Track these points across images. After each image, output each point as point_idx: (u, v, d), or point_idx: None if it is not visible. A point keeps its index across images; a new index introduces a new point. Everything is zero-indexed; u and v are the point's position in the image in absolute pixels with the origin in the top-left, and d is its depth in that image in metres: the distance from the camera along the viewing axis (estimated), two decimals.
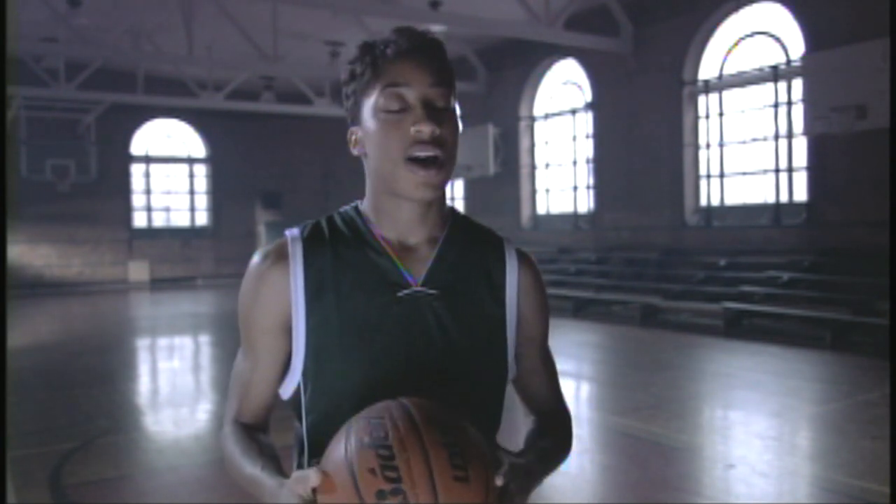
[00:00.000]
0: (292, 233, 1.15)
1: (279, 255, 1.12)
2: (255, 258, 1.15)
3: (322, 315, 1.09)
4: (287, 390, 1.14)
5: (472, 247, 1.18)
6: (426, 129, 1.06)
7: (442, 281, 1.13)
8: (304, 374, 1.11)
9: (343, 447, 0.87)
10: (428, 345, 1.09)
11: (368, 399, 0.95)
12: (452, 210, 1.22)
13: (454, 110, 1.12)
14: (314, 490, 0.87)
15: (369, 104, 1.10)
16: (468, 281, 1.15)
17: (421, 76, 1.08)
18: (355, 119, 1.14)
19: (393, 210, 1.13)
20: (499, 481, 0.86)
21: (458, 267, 1.15)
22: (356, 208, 1.18)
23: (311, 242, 1.13)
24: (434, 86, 1.09)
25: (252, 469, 1.02)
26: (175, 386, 7.89)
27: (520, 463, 0.97)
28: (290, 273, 1.11)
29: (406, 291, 1.10)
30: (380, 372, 1.07)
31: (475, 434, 0.90)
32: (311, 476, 0.87)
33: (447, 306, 1.11)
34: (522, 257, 1.22)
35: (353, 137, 1.15)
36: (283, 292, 1.11)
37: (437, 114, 1.08)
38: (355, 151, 1.16)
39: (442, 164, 1.08)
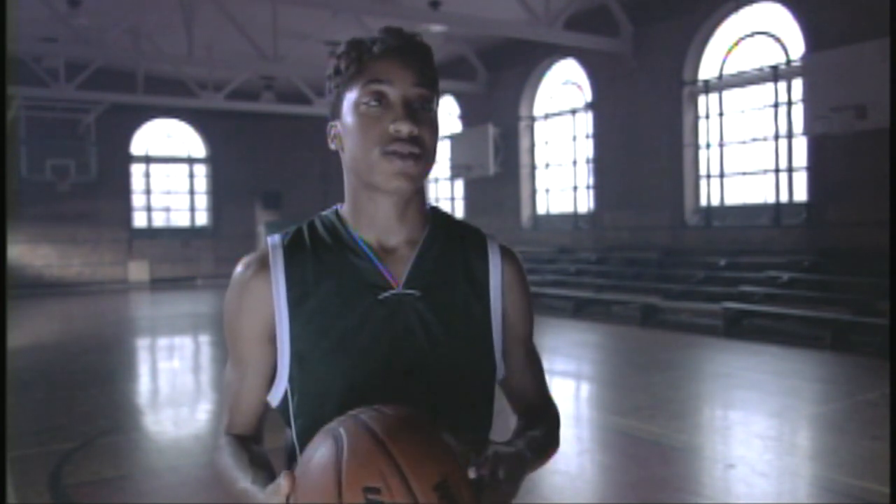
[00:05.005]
0: (273, 240, 1.15)
1: (260, 264, 1.13)
2: (238, 268, 1.15)
3: (305, 321, 1.10)
4: (275, 398, 1.14)
5: (453, 245, 1.18)
6: (404, 128, 1.06)
7: (424, 281, 1.12)
8: (290, 380, 1.11)
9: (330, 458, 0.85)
10: (411, 346, 1.09)
11: (353, 402, 0.94)
12: (434, 209, 1.21)
13: (435, 113, 1.12)
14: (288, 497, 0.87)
15: (351, 99, 1.10)
16: (450, 280, 1.15)
17: (404, 75, 1.08)
18: (336, 113, 1.15)
19: (371, 209, 1.13)
20: (472, 474, 0.86)
21: (439, 266, 1.15)
22: (336, 212, 1.18)
23: (292, 249, 1.13)
24: (416, 86, 1.09)
25: (244, 483, 1.01)
26: (175, 386, 7.89)
27: (507, 451, 0.96)
28: (272, 281, 1.11)
29: (388, 293, 1.10)
30: (363, 375, 1.07)
31: (450, 451, 0.88)
32: (283, 483, 0.86)
33: (430, 307, 1.11)
34: (505, 253, 1.21)
35: (333, 132, 1.15)
36: (266, 301, 1.11)
37: (417, 114, 1.08)
38: (332, 146, 1.16)
39: (419, 158, 1.08)
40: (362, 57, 1.10)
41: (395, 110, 1.07)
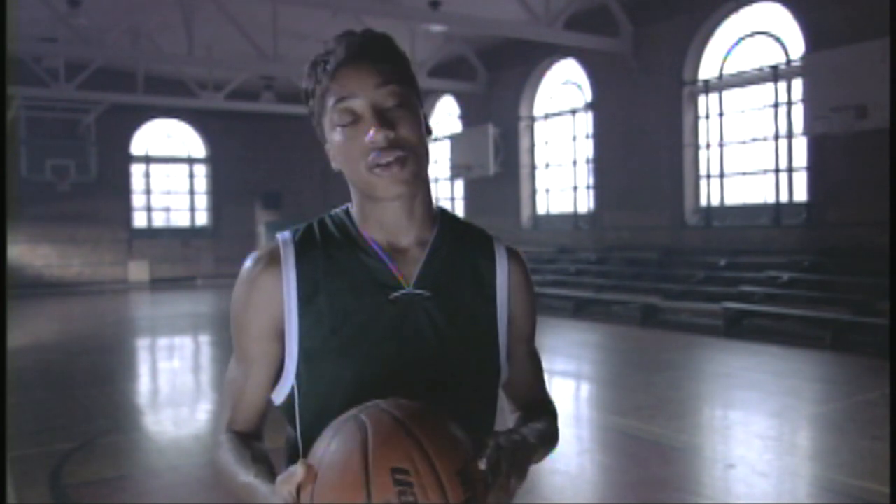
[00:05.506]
0: (283, 236, 1.15)
1: (271, 260, 1.12)
2: (247, 263, 1.14)
3: (314, 318, 1.09)
4: (280, 395, 1.13)
5: (462, 246, 1.18)
6: (379, 138, 1.06)
7: (433, 282, 1.13)
8: (297, 377, 1.10)
9: (356, 451, 0.85)
10: (421, 346, 1.09)
11: (360, 401, 0.94)
12: (442, 210, 1.22)
13: (411, 103, 1.11)
14: (299, 490, 0.85)
15: (328, 121, 1.11)
16: (459, 281, 1.15)
17: (363, 82, 1.08)
18: (323, 136, 1.15)
19: (379, 213, 1.13)
20: (482, 465, 0.86)
21: (448, 267, 1.15)
22: (346, 211, 1.18)
23: (303, 246, 1.13)
24: (380, 87, 1.08)
25: (246, 477, 1.01)
26: (175, 386, 7.89)
27: (511, 438, 0.96)
28: (283, 277, 1.11)
29: (398, 293, 1.11)
30: (372, 373, 1.07)
31: (467, 444, 0.89)
32: (298, 470, 0.85)
33: (439, 307, 1.11)
34: (512, 254, 1.22)
35: (330, 153, 1.15)
36: (276, 297, 1.10)
37: (389, 115, 1.07)
38: (335, 166, 1.16)
39: (405, 160, 1.07)
40: (321, 78, 1.10)
41: (366, 122, 1.07)
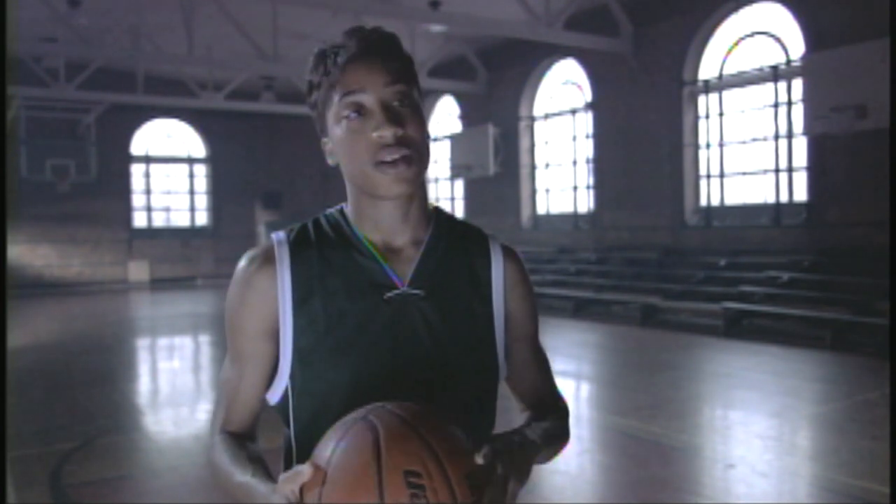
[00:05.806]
0: (278, 236, 1.15)
1: (266, 259, 1.12)
2: (242, 263, 1.14)
3: (309, 318, 1.09)
4: (274, 395, 1.13)
5: (457, 245, 1.18)
6: (388, 134, 1.06)
7: (428, 281, 1.13)
8: (292, 377, 1.10)
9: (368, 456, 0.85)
10: (416, 346, 1.09)
11: (356, 401, 0.94)
12: (437, 209, 1.21)
13: (416, 104, 1.11)
14: (302, 490, 0.85)
15: (332, 114, 1.11)
16: (455, 280, 1.15)
17: (374, 79, 1.08)
18: (324, 130, 1.15)
19: (375, 212, 1.13)
20: (479, 460, 0.86)
21: (444, 267, 1.15)
22: (341, 211, 1.18)
23: (298, 246, 1.13)
24: (390, 85, 1.08)
25: (242, 477, 1.01)
26: (175, 386, 7.89)
27: (509, 440, 0.95)
28: (277, 277, 1.11)
29: (393, 293, 1.10)
30: (367, 373, 1.07)
31: (469, 446, 0.89)
32: (305, 470, 0.85)
33: (434, 306, 1.11)
34: (507, 252, 1.22)
35: (327, 148, 1.15)
36: (270, 296, 1.10)
37: (398, 113, 1.08)
38: (331, 161, 1.16)
39: (411, 160, 1.07)
40: (329, 70, 1.10)
41: (375, 117, 1.07)
